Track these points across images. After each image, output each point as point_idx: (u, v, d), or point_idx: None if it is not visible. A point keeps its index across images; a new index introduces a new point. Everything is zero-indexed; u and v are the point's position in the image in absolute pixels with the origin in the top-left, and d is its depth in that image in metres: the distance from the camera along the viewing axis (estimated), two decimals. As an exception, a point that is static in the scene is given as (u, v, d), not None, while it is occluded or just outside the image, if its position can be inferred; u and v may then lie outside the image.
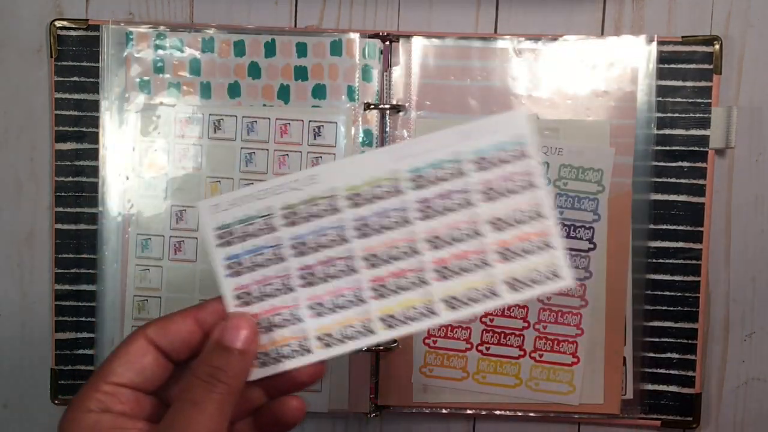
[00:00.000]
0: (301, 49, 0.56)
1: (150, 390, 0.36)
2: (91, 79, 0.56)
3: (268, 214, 0.37)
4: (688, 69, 0.56)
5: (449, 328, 0.57)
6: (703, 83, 0.56)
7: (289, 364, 0.37)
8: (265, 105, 0.56)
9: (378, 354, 0.57)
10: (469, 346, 0.57)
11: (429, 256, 0.36)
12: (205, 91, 0.56)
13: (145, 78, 0.56)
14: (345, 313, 0.37)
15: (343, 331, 0.37)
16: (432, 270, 0.36)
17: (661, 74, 0.56)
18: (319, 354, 0.37)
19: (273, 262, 0.37)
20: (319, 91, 0.56)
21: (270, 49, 0.56)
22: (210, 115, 0.56)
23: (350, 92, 0.56)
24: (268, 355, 0.37)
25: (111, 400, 0.34)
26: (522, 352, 0.56)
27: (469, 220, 0.36)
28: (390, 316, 0.37)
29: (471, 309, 0.36)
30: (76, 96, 0.57)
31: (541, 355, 0.56)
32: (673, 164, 0.56)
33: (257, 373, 0.36)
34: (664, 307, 0.56)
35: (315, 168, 0.37)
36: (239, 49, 0.56)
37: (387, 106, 0.56)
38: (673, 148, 0.56)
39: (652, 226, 0.56)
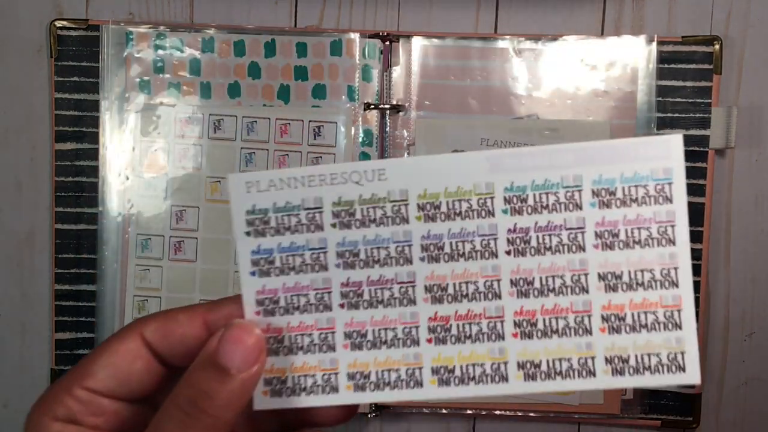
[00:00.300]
0: (301, 49, 0.56)
1: (135, 399, 0.29)
2: (91, 79, 0.57)
3: (316, 208, 0.29)
4: (688, 69, 0.56)
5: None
6: (703, 83, 0.56)
7: (307, 401, 0.29)
8: (265, 105, 0.56)
9: (378, 354, 0.57)
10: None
11: (512, 304, 0.29)
12: (205, 91, 0.56)
13: (145, 78, 0.56)
14: (390, 352, 0.29)
15: (382, 374, 0.29)
16: (512, 322, 0.29)
17: (661, 74, 0.56)
18: (347, 396, 0.29)
19: (312, 268, 0.29)
20: (319, 91, 0.56)
21: (270, 49, 0.56)
22: (210, 115, 0.56)
23: (350, 92, 0.56)
24: (285, 383, 0.29)
25: (82, 410, 0.28)
26: (522, 352, 0.56)
27: (574, 268, 0.28)
28: (446, 369, 0.29)
29: (553, 384, 0.28)
30: (76, 96, 0.57)
31: (541, 355, 0.56)
32: (673, 164, 0.56)
33: (264, 402, 0.29)
34: (664, 307, 0.56)
35: (385, 161, 0.29)
36: (239, 49, 0.56)
37: (387, 106, 0.56)
38: (673, 148, 0.56)
39: (652, 226, 0.56)
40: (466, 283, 0.29)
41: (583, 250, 0.28)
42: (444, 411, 0.57)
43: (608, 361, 0.28)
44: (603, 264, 0.28)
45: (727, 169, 0.57)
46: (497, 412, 0.57)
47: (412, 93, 0.56)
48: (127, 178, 0.56)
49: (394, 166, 0.29)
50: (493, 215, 0.29)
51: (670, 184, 0.28)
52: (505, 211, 0.29)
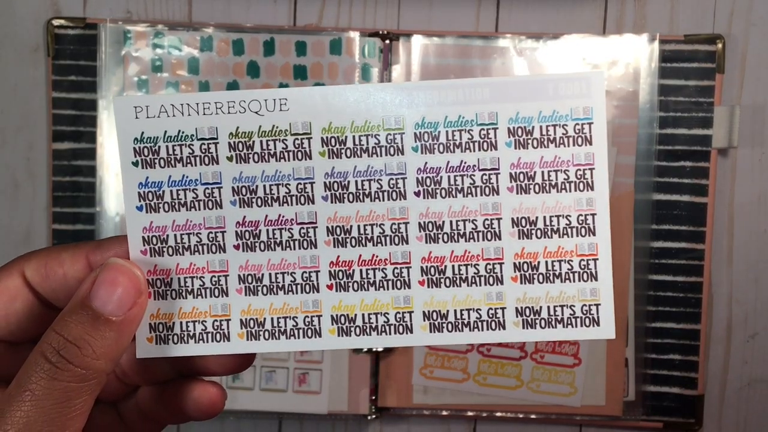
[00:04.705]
0: (301, 48, 0.56)
1: (17, 341, 0.27)
2: (89, 78, 0.56)
3: (211, 138, 0.27)
4: (691, 68, 0.55)
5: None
6: (705, 82, 0.55)
7: (195, 349, 0.27)
8: (264, 104, 0.56)
9: (378, 355, 0.56)
10: (469, 347, 0.56)
11: (419, 249, 0.27)
12: (204, 90, 0.56)
13: (143, 77, 0.56)
14: (287, 298, 0.27)
15: (278, 321, 0.27)
16: (419, 268, 0.27)
17: (663, 73, 0.55)
18: (239, 345, 0.27)
19: (205, 205, 0.27)
20: (318, 90, 0.56)
21: (269, 48, 0.56)
22: (208, 114, 0.56)
23: (350, 91, 0.55)
24: (171, 329, 0.27)
25: None
26: (523, 354, 0.56)
27: (487, 212, 0.27)
28: (347, 318, 0.27)
29: (460, 336, 0.27)
30: (73, 95, 0.56)
31: (542, 357, 0.56)
32: (676, 164, 0.55)
33: (149, 350, 0.27)
34: (666, 308, 0.56)
35: (288, 90, 0.27)
36: (238, 47, 0.56)
37: (387, 106, 0.55)
38: (676, 147, 0.55)
39: (654, 227, 0.56)
40: (372, 225, 0.27)
41: (497, 192, 0.27)
42: (444, 413, 0.57)
43: (519, 312, 0.27)
44: (517, 208, 0.27)
45: (729, 168, 0.57)
46: (498, 414, 0.57)
47: (412, 92, 0.56)
48: (125, 178, 0.56)
49: (298, 96, 0.27)
50: (402, 153, 0.27)
51: (590, 124, 0.26)
52: (415, 149, 0.27)
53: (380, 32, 0.56)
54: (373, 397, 0.57)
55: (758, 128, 0.57)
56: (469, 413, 0.57)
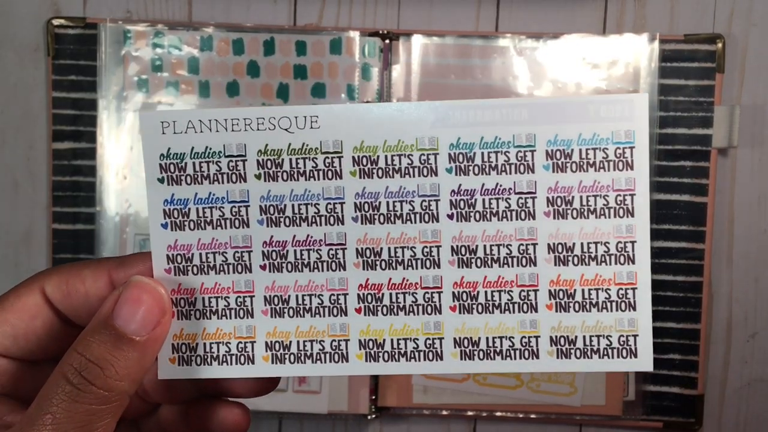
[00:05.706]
0: (301, 48, 0.56)
1: (38, 360, 0.27)
2: (89, 78, 0.56)
3: (239, 155, 0.26)
4: (691, 67, 0.55)
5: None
6: (705, 82, 0.55)
7: (219, 371, 0.27)
8: (264, 104, 0.56)
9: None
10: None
11: (451, 274, 0.26)
12: (204, 90, 0.56)
13: (143, 77, 0.56)
14: (314, 321, 0.27)
15: (304, 345, 0.27)
16: (451, 293, 0.26)
17: (663, 73, 0.55)
18: (263, 368, 0.27)
19: (232, 224, 0.27)
20: (318, 90, 0.56)
21: (269, 48, 0.56)
22: (208, 114, 0.56)
23: (350, 91, 0.56)
24: (195, 350, 0.27)
25: None
26: (523, 353, 0.56)
27: (522, 237, 0.26)
28: (375, 343, 0.27)
29: (492, 365, 0.26)
30: (73, 95, 0.56)
31: (542, 356, 0.56)
32: (676, 163, 0.55)
33: (171, 371, 0.27)
34: (666, 308, 0.56)
35: (319, 107, 0.26)
36: (238, 47, 0.56)
37: (387, 105, 0.55)
38: (676, 147, 0.55)
39: (654, 226, 0.56)
40: (403, 248, 0.26)
41: (533, 217, 0.26)
42: (445, 412, 0.57)
43: (553, 341, 0.26)
44: (554, 234, 0.26)
45: (729, 168, 0.57)
46: (498, 414, 0.57)
47: (412, 92, 0.56)
48: (125, 178, 0.56)
49: (329, 113, 0.26)
50: (436, 174, 0.26)
51: (631, 148, 0.26)
52: (449, 170, 0.26)
53: (380, 32, 0.56)
54: (373, 397, 0.57)
55: (758, 128, 0.57)
56: (469, 413, 0.57)
